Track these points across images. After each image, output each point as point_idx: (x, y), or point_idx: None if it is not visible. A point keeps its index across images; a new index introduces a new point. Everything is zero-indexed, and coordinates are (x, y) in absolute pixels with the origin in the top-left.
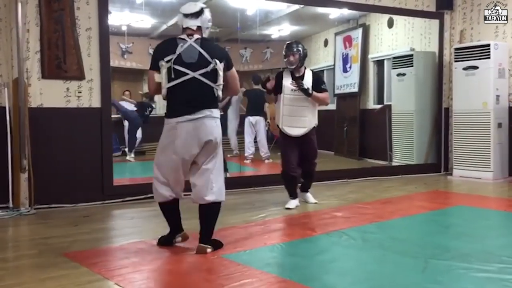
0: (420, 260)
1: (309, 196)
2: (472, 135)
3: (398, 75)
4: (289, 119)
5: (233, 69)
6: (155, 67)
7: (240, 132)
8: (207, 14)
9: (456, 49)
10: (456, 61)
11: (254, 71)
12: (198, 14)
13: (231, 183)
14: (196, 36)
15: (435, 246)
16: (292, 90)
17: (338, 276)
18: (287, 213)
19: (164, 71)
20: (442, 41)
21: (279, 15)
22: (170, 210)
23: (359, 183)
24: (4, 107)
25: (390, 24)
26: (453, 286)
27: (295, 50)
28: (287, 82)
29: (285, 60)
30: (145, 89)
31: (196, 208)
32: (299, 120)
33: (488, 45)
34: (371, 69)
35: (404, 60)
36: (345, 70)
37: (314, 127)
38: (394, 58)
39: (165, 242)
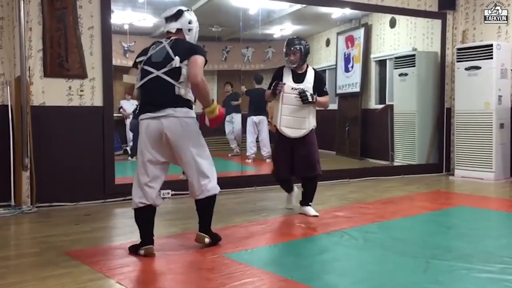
0: (421, 260)
1: (309, 209)
2: (474, 136)
3: (400, 75)
4: (288, 120)
5: (196, 56)
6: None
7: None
8: (187, 16)
9: (458, 49)
10: (458, 61)
11: (256, 71)
12: (176, 17)
13: (233, 183)
14: (174, 38)
15: (436, 247)
16: (292, 88)
17: (339, 276)
18: (288, 213)
19: (137, 72)
20: (444, 41)
21: (281, 15)
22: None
23: (360, 183)
24: (6, 106)
25: (392, 24)
26: (454, 286)
27: (296, 48)
28: (288, 80)
29: (285, 58)
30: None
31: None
32: (298, 121)
33: (491, 45)
34: (373, 69)
35: (406, 60)
36: (347, 70)
37: (313, 129)
38: (396, 58)
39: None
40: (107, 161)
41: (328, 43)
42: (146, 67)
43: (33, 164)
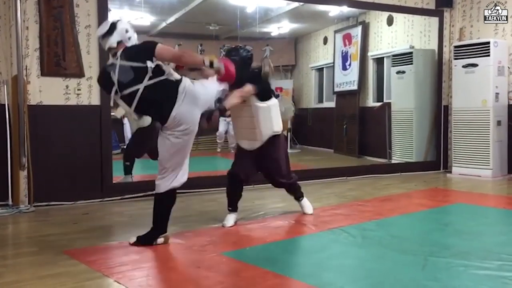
0: (419, 258)
1: (305, 205)
2: (471, 133)
3: (398, 72)
4: (242, 132)
5: (158, 46)
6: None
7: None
8: (121, 25)
9: (455, 46)
10: (455, 59)
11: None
12: (111, 31)
13: None
14: (120, 51)
15: (434, 244)
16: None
17: (337, 273)
18: (286, 211)
19: (120, 102)
20: (441, 39)
21: (279, 13)
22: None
23: (358, 180)
24: (3, 105)
25: (390, 21)
26: (452, 283)
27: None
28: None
29: None
30: None
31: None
32: (250, 132)
33: (488, 42)
34: (371, 67)
35: (404, 58)
36: (344, 68)
37: (276, 135)
38: (393, 55)
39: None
40: (105, 160)
41: (325, 41)
42: (126, 92)
43: (30, 163)
